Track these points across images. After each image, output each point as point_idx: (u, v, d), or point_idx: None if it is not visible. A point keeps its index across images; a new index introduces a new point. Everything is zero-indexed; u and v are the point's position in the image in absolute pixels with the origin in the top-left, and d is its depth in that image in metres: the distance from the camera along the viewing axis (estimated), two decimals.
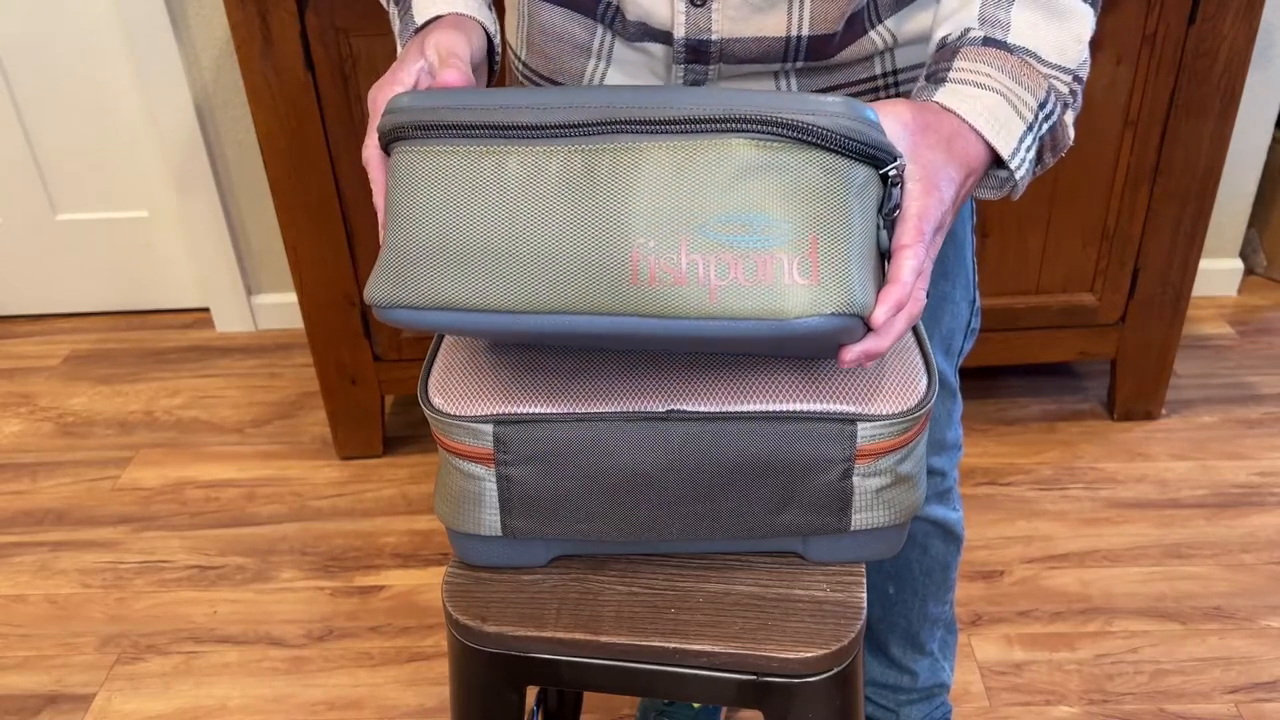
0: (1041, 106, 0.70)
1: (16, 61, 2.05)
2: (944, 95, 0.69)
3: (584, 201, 0.60)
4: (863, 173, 0.61)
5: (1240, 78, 1.58)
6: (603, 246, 0.59)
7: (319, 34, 1.53)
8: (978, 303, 1.02)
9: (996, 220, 1.71)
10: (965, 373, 1.41)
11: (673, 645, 0.75)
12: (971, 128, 0.68)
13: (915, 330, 0.80)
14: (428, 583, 1.64)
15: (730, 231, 0.58)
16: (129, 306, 2.35)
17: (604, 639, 0.75)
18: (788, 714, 0.77)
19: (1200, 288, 2.20)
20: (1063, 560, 1.61)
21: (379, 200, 0.69)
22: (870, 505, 0.75)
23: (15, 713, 1.46)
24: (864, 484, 0.73)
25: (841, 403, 0.72)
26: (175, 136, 2.07)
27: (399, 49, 0.80)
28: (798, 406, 0.71)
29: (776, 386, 0.72)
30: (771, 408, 0.71)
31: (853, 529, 0.76)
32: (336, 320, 1.75)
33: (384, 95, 0.71)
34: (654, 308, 0.59)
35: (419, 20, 0.78)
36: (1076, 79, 0.72)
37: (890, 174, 0.62)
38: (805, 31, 0.77)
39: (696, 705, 1.34)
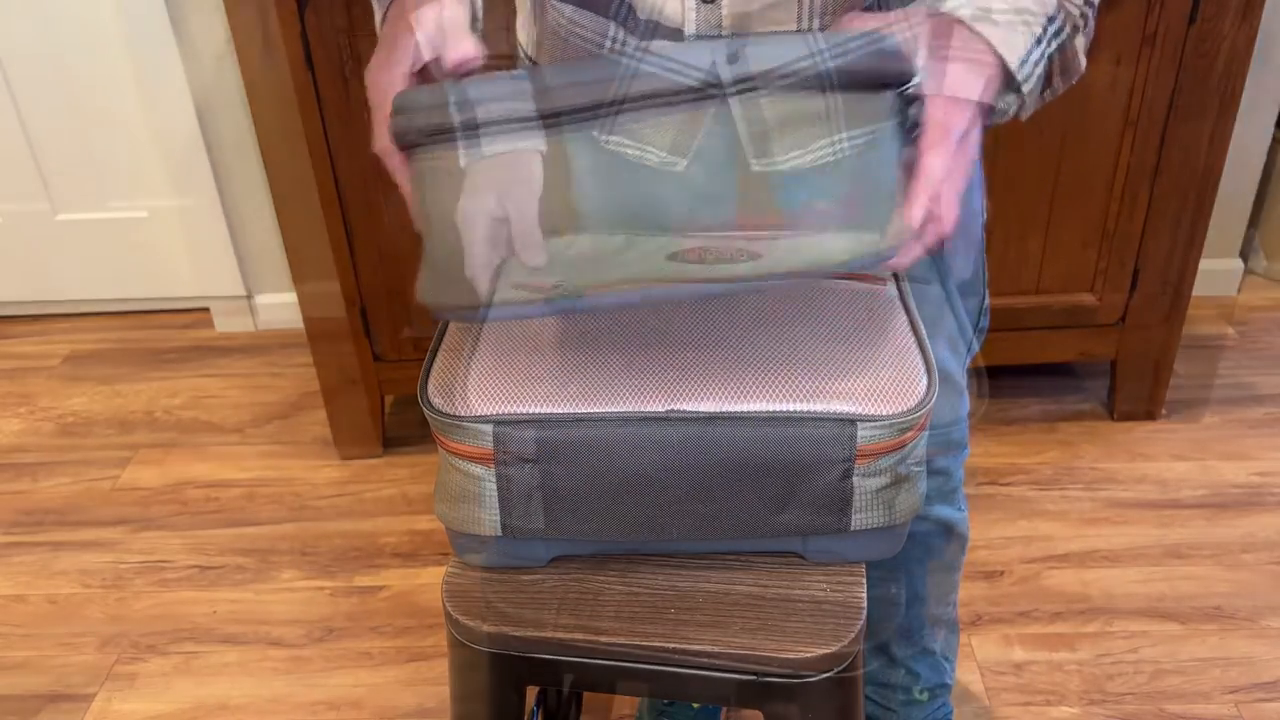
0: (1051, 21, 0.71)
1: (16, 61, 2.05)
2: (951, 5, 0.70)
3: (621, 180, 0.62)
4: (892, 122, 0.64)
5: (1240, 78, 1.58)
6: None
7: (319, 34, 1.53)
8: (987, 301, 1.02)
9: (997, 220, 1.71)
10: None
11: (673, 645, 0.75)
12: (979, 35, 0.69)
13: (915, 330, 0.80)
14: (428, 583, 1.63)
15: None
16: (129, 306, 2.35)
17: (604, 639, 0.75)
18: (788, 714, 0.77)
19: (1200, 288, 2.19)
20: (1063, 560, 1.61)
21: (405, 191, 0.69)
22: (870, 505, 0.75)
23: (15, 713, 1.46)
24: (864, 484, 0.73)
25: (841, 403, 0.71)
26: (175, 136, 2.07)
27: (377, 19, 0.78)
28: (798, 407, 0.71)
29: (776, 386, 0.72)
30: (771, 408, 0.71)
31: (853, 529, 0.76)
32: (336, 320, 1.75)
33: (383, 79, 0.70)
34: (706, 277, 0.61)
35: None
36: (1089, 3, 0.73)
37: (908, 92, 0.63)
38: (817, 24, 0.78)
39: (696, 705, 1.34)
